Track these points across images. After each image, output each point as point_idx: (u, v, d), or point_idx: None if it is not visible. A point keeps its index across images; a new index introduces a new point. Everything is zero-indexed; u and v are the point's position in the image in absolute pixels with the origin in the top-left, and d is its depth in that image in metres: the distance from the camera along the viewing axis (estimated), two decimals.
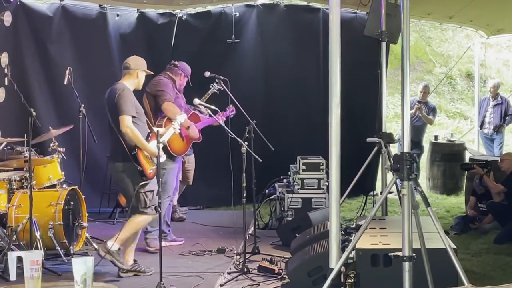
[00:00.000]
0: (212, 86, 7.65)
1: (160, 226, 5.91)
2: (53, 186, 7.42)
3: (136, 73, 6.33)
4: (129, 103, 6.11)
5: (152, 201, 6.22)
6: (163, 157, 6.24)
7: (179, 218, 8.79)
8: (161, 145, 5.78)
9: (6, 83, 7.80)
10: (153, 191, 6.22)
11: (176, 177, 7.61)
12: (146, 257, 6.93)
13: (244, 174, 6.61)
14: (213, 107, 7.23)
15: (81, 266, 3.36)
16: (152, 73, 6.73)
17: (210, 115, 7.51)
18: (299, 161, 8.41)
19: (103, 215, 9.06)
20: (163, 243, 7.39)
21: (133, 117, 6.13)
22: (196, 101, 7.29)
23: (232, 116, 7.76)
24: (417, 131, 10.81)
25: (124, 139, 6.11)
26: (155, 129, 6.06)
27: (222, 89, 7.45)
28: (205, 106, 7.36)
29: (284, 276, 6.21)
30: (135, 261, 6.29)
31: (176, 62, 7.66)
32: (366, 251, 5.20)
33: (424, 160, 11.52)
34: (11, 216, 6.83)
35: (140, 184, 6.12)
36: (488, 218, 8.48)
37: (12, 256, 3.79)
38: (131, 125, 6.06)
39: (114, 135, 6.20)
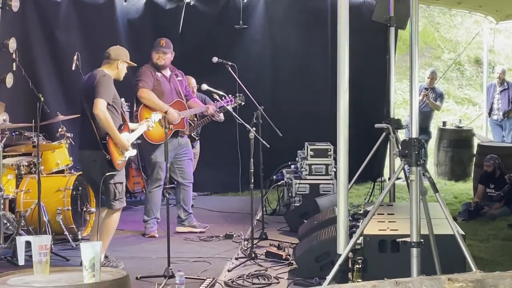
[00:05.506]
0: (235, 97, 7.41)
1: (168, 213, 5.86)
2: (61, 171, 7.43)
3: (116, 63, 6.08)
4: (107, 89, 5.88)
5: (121, 194, 5.99)
6: (133, 152, 6.07)
7: None
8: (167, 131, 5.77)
9: (14, 69, 7.78)
10: (122, 183, 6.01)
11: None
12: (155, 243, 6.97)
13: (252, 160, 6.61)
14: (220, 92, 7.20)
15: (90, 251, 3.37)
16: (135, 64, 6.45)
17: (217, 100, 7.38)
18: (307, 147, 8.39)
19: None
20: (182, 228, 7.44)
21: (109, 104, 5.87)
22: (204, 86, 7.26)
23: (229, 105, 7.34)
24: (425, 117, 10.75)
25: (97, 126, 5.84)
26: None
27: (244, 104, 7.31)
28: (212, 92, 7.30)
29: (291, 261, 6.21)
30: (106, 257, 5.97)
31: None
32: (374, 237, 5.20)
33: (432, 146, 11.49)
34: (20, 201, 6.87)
35: (107, 174, 5.83)
36: (497, 204, 8.46)
37: (21, 240, 3.81)
38: (105, 110, 5.79)
39: (86, 122, 5.95)
